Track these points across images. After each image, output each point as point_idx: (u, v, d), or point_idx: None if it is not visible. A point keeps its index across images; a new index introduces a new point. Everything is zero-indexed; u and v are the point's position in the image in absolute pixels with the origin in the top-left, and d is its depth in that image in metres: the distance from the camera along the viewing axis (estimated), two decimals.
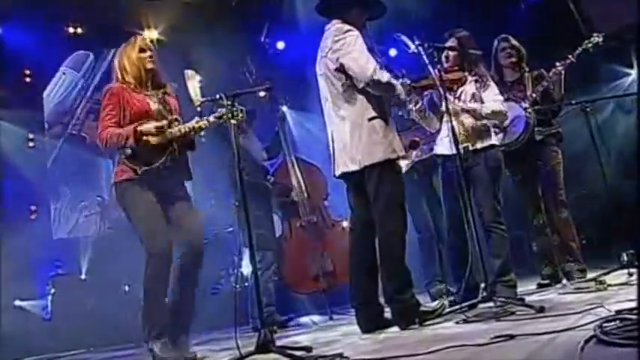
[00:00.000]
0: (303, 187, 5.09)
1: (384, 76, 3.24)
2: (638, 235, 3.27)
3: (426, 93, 3.75)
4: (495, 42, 4.51)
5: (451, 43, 3.78)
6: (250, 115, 4.97)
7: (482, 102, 3.73)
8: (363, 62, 3.23)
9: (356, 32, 3.33)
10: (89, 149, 6.77)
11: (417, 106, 3.69)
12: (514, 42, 4.43)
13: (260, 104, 5.12)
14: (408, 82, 3.52)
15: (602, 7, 5.86)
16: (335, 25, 3.40)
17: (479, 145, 3.65)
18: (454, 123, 3.44)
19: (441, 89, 3.46)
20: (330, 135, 3.47)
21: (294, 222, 5.11)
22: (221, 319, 5.31)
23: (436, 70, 3.46)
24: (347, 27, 3.35)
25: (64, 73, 7.12)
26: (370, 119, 3.29)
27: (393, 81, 3.28)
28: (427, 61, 3.44)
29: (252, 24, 7.45)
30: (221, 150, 4.74)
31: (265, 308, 4.26)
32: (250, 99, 4.58)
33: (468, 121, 3.68)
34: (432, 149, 4.07)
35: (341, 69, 3.31)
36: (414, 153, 4.78)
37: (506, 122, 4.12)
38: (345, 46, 3.28)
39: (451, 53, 3.78)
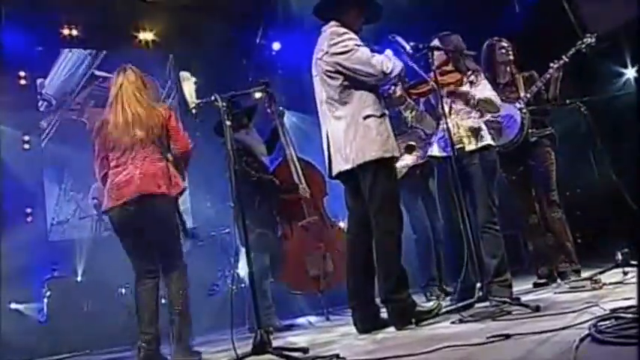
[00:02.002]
0: (305, 185, 5.01)
1: (390, 66, 3.29)
2: (637, 234, 3.28)
3: (423, 99, 3.77)
4: (488, 43, 4.49)
5: (443, 44, 3.79)
6: (251, 111, 4.95)
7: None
8: (369, 61, 3.28)
9: (352, 34, 3.36)
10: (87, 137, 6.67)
11: (413, 113, 3.70)
12: (501, 48, 4.43)
13: (257, 104, 5.09)
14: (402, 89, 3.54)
15: (596, 7, 5.88)
16: (331, 28, 3.41)
17: (474, 146, 3.65)
18: (450, 124, 3.46)
19: (437, 90, 3.47)
20: (325, 136, 3.47)
21: (294, 222, 5.05)
22: (218, 321, 5.32)
23: (431, 73, 3.47)
24: (343, 30, 3.37)
25: (70, 51, 7.07)
26: (366, 117, 3.30)
27: (393, 61, 3.33)
28: (419, 70, 3.46)
29: (248, 25, 7.45)
30: (220, 150, 4.71)
31: (264, 310, 4.25)
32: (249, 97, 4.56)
33: (465, 122, 3.68)
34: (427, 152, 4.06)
35: (340, 71, 3.32)
36: (411, 158, 4.79)
37: (502, 121, 4.13)
38: (347, 49, 3.30)
39: (445, 55, 3.78)
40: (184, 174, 3.63)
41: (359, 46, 3.32)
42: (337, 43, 3.33)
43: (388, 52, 3.41)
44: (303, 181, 4.94)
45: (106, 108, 3.55)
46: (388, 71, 3.29)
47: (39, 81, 6.95)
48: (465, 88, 3.74)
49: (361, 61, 3.29)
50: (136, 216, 3.38)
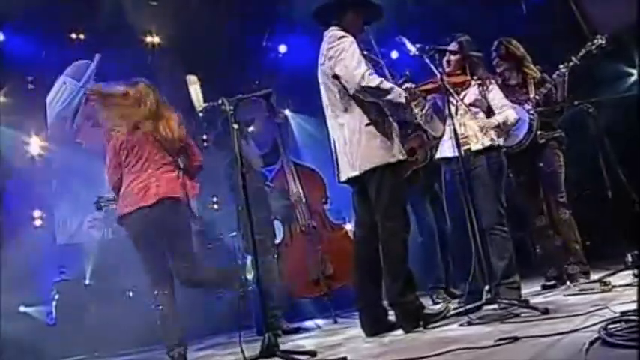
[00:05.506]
0: (301, 192, 5.09)
1: (374, 81, 3.21)
2: (638, 236, 3.26)
3: (429, 97, 3.74)
4: (498, 42, 4.47)
5: (452, 47, 3.76)
6: (248, 124, 5.01)
7: (487, 104, 3.70)
8: (352, 69, 3.23)
9: (350, 38, 3.32)
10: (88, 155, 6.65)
11: (424, 110, 3.68)
12: (512, 47, 4.40)
13: (260, 110, 5.12)
14: (413, 86, 3.50)
15: (603, 7, 5.85)
16: (331, 32, 3.40)
17: (480, 147, 3.63)
18: (457, 125, 3.44)
19: (445, 90, 3.45)
20: (332, 141, 3.47)
21: (293, 227, 5.11)
22: (226, 323, 5.32)
23: (438, 75, 3.46)
24: (341, 33, 3.35)
25: (64, 82, 7.08)
26: (368, 125, 3.29)
27: (386, 85, 3.25)
28: (430, 64, 3.42)
29: (254, 28, 7.46)
30: (224, 155, 4.74)
31: (271, 312, 4.27)
32: (249, 107, 4.58)
33: (472, 122, 3.66)
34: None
35: (336, 76, 3.32)
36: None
37: None
38: (337, 54, 3.29)
39: (453, 57, 3.76)
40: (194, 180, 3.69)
41: (352, 52, 3.27)
42: (332, 47, 3.32)
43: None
44: (299, 187, 4.99)
45: (119, 117, 3.54)
46: (365, 84, 3.18)
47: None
48: (473, 89, 3.73)
49: (346, 67, 3.25)
50: (154, 220, 3.39)
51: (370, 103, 3.32)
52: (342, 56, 3.27)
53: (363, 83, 3.19)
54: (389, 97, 3.26)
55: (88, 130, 6.84)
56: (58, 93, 7.02)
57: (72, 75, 7.10)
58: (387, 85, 3.25)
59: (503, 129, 3.67)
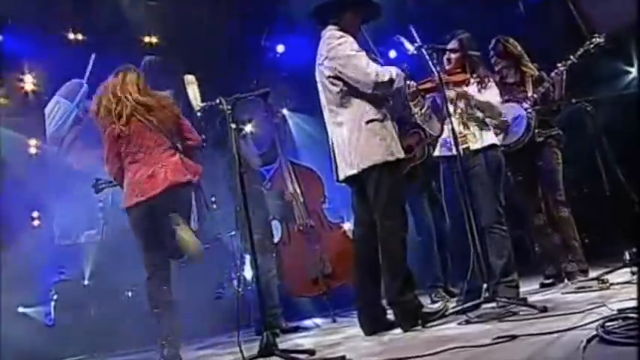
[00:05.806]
0: (299, 192, 5.10)
1: (386, 76, 3.26)
2: (637, 234, 3.26)
3: (429, 96, 3.74)
4: (496, 40, 4.48)
5: (453, 44, 3.77)
6: (246, 121, 5.01)
7: None
8: (364, 68, 3.25)
9: (349, 39, 3.33)
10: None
11: (423, 109, 3.68)
12: (509, 45, 4.40)
13: (258, 109, 5.13)
14: (413, 84, 3.51)
15: (601, 6, 5.86)
16: (328, 32, 3.40)
17: (479, 145, 3.63)
18: (455, 123, 3.45)
19: (443, 90, 3.46)
20: (331, 140, 3.48)
21: (292, 226, 5.12)
22: (225, 323, 5.32)
23: (436, 73, 3.46)
24: (339, 33, 3.36)
25: (57, 102, 7.08)
26: (368, 122, 3.30)
27: (394, 74, 3.29)
28: (430, 63, 3.43)
29: (254, 28, 7.46)
30: (221, 154, 4.75)
31: (270, 310, 4.27)
32: (247, 106, 4.59)
33: (470, 121, 3.66)
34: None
35: (339, 76, 3.32)
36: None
37: (509, 121, 4.11)
38: (341, 54, 3.30)
39: (453, 55, 3.76)
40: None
41: (356, 51, 3.30)
42: (334, 48, 3.33)
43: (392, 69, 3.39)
44: (296, 187, 5.00)
45: (107, 98, 3.50)
46: (380, 80, 3.24)
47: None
48: (472, 87, 3.73)
49: (357, 68, 3.27)
50: (163, 207, 3.37)
51: (369, 101, 3.32)
52: (348, 58, 3.28)
53: (379, 80, 3.24)
54: (396, 85, 3.31)
55: (79, 152, 6.83)
56: (52, 112, 7.01)
57: (65, 95, 7.08)
58: (394, 74, 3.30)
59: (487, 110, 3.65)
